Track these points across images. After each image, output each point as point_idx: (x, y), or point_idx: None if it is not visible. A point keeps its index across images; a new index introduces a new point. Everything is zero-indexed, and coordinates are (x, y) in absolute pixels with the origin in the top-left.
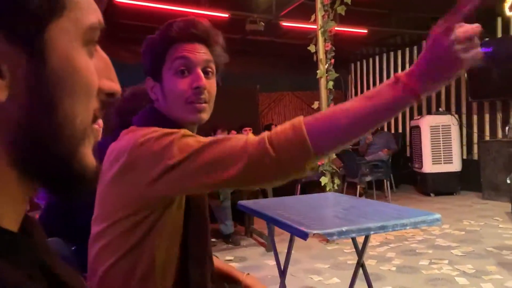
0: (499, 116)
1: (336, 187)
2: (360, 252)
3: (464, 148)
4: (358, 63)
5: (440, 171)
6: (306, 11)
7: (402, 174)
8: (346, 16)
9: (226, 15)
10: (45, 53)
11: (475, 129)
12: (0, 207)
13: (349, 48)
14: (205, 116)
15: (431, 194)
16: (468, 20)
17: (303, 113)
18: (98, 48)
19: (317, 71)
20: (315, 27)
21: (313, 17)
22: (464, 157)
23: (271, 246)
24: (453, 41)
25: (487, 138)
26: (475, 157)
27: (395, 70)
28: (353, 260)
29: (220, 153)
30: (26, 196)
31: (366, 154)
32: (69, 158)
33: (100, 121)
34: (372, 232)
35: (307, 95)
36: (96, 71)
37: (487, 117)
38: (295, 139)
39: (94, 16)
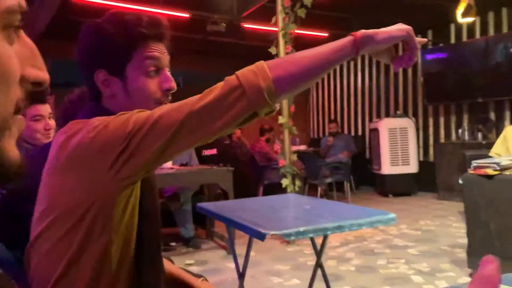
0: (453, 119)
1: (297, 189)
2: (318, 253)
3: (421, 150)
4: None
5: (398, 173)
6: (267, 13)
7: (362, 176)
8: (308, 20)
9: (187, 15)
10: None
11: (431, 132)
12: None
13: None
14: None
15: (390, 195)
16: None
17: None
18: (23, 34)
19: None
20: (276, 29)
21: (273, 19)
22: (421, 159)
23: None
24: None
25: (442, 140)
26: (431, 158)
27: (355, 75)
28: (313, 261)
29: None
30: None
31: (327, 156)
32: None
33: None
34: (329, 232)
35: None
36: (19, 58)
37: (442, 120)
38: (257, 69)
39: None
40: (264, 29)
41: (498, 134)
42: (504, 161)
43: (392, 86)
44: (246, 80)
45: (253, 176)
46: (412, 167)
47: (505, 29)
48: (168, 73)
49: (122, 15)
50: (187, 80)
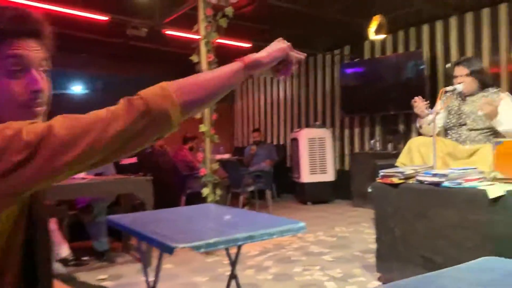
0: (367, 130)
1: (217, 198)
2: (233, 263)
3: (338, 159)
4: None
5: (316, 181)
6: (190, 21)
7: (284, 184)
8: (231, 29)
9: (106, 18)
10: None
11: (347, 142)
12: None
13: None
14: (43, 120)
15: (308, 203)
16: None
17: (184, 123)
18: None
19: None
20: (199, 37)
21: (196, 27)
22: (338, 167)
23: (148, 262)
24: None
25: (357, 150)
26: (347, 167)
27: (278, 86)
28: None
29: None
30: None
31: (250, 165)
32: None
33: None
34: (240, 243)
35: None
36: None
37: (357, 131)
38: (163, 93)
39: None
40: (186, 37)
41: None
42: (408, 171)
43: (312, 98)
44: (154, 105)
45: (176, 186)
46: (329, 176)
47: (412, 47)
48: (37, 74)
49: None
50: (107, 84)
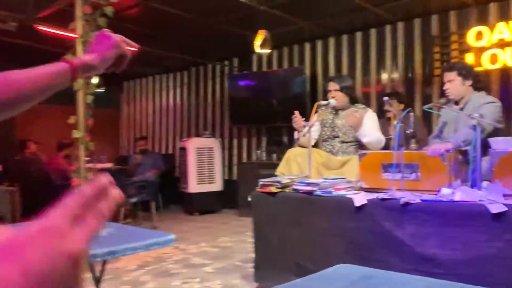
0: (254, 140)
1: None
2: (97, 280)
3: (226, 169)
4: (132, 82)
5: (204, 191)
6: (66, 18)
7: (171, 195)
8: (115, 32)
9: None
10: None
11: (235, 152)
12: None
13: None
14: None
15: (196, 213)
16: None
17: (61, 128)
18: None
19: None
20: (75, 36)
21: (72, 25)
22: (226, 177)
23: None
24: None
25: (245, 160)
26: (235, 177)
27: (168, 93)
28: None
29: None
30: None
31: (134, 174)
32: None
33: None
34: (98, 259)
35: (65, 110)
36: None
37: (245, 141)
38: None
39: None
40: (62, 34)
41: None
42: (285, 180)
43: (202, 107)
44: None
45: (48, 196)
46: (217, 185)
47: (296, 63)
48: None
49: None
50: None
